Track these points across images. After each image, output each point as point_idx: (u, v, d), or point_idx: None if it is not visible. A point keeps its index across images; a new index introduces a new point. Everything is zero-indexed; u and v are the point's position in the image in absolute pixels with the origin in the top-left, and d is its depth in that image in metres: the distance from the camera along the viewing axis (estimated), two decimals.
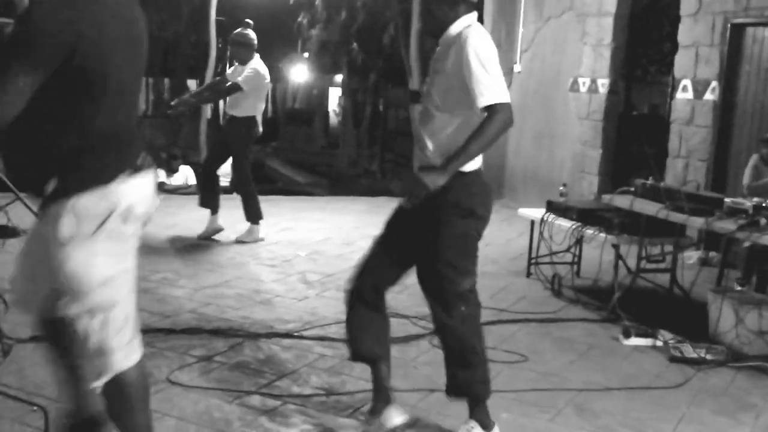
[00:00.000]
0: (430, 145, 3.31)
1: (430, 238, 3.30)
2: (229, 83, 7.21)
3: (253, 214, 7.27)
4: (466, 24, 3.28)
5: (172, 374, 3.99)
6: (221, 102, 7.57)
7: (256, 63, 7.17)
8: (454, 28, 3.29)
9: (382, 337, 3.56)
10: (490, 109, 3.11)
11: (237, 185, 7.37)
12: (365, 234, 7.88)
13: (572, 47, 9.72)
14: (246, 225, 7.30)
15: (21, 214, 7.02)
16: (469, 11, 3.32)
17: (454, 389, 3.45)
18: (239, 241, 7.16)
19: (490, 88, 3.12)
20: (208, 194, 7.29)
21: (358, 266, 3.54)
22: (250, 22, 7.15)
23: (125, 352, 2.47)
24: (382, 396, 3.56)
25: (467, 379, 3.40)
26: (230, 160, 7.40)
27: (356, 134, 29.75)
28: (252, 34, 7.22)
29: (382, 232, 3.52)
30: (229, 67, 8.52)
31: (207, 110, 15.84)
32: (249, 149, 7.39)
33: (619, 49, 9.21)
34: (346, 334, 3.58)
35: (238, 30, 7.27)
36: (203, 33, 17.07)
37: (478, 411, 3.42)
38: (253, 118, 7.17)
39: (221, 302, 5.33)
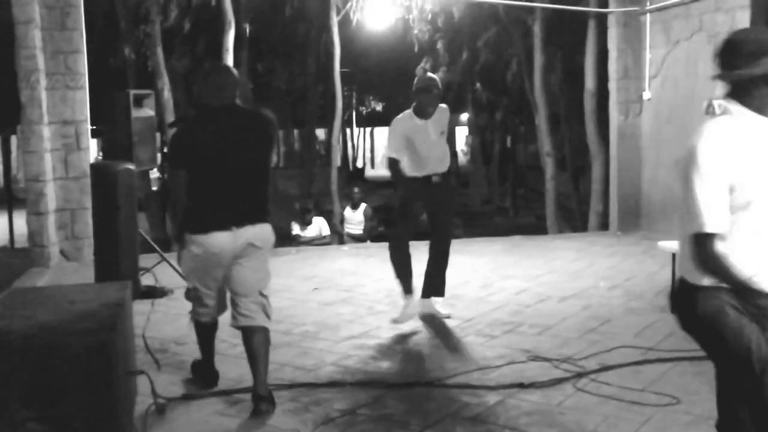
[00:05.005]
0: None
1: None
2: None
3: (443, 287, 6.29)
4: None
5: (317, 429, 4.02)
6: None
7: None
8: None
9: None
10: None
11: (444, 252, 6.25)
12: (504, 275, 7.77)
13: (705, 69, 9.39)
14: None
15: (169, 273, 7.36)
16: None
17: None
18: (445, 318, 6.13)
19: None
20: (409, 272, 6.19)
21: None
22: (426, 67, 6.10)
23: None
24: None
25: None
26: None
27: (486, 172, 29.70)
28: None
29: None
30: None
31: (337, 158, 16.18)
32: None
33: None
34: None
35: (424, 76, 6.08)
36: (330, 84, 17.58)
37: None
38: None
39: (362, 353, 5.36)
